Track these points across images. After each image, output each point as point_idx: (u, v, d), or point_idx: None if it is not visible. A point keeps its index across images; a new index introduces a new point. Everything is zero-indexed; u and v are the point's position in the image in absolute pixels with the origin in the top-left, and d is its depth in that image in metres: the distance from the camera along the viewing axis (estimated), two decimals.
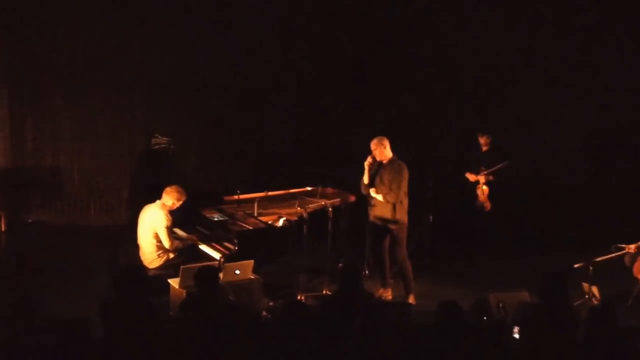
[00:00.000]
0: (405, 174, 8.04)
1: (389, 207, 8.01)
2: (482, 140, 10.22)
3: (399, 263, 8.17)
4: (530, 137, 10.98)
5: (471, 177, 10.14)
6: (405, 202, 8.09)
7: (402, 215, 8.05)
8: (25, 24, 10.71)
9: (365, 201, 8.79)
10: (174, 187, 7.83)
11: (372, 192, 8.10)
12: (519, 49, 10.84)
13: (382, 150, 8.02)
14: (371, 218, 8.26)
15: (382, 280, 8.37)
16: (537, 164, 10.89)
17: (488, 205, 10.07)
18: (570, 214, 10.60)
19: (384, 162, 8.06)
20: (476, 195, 10.11)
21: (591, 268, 7.90)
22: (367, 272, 8.91)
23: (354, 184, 8.95)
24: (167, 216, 7.63)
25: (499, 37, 10.78)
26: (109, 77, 10.95)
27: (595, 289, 8.00)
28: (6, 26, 10.66)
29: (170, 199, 7.73)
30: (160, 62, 10.91)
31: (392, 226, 8.06)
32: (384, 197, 8.01)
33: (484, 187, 10.05)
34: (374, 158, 8.04)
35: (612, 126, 10.77)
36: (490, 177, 10.00)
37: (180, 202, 7.79)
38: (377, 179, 8.08)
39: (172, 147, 10.79)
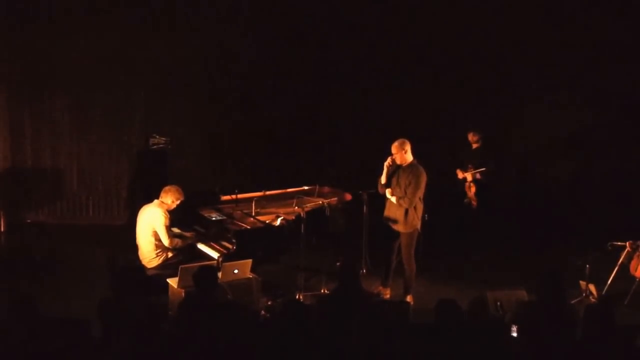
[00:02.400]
0: (424, 180, 7.87)
1: (402, 210, 7.88)
2: (471, 138, 10.28)
3: (404, 264, 8.11)
4: (526, 134, 11.03)
5: (459, 174, 10.22)
6: (420, 207, 7.98)
7: (414, 220, 7.92)
8: (25, 24, 10.73)
9: (362, 200, 8.81)
10: (173, 186, 7.84)
11: (388, 193, 7.99)
12: (509, 46, 10.89)
13: (403, 155, 7.85)
14: (383, 219, 8.11)
15: (383, 280, 8.35)
16: (532, 162, 10.93)
17: (475, 202, 10.15)
18: (566, 212, 10.63)
19: (404, 165, 7.91)
20: (465, 193, 10.19)
21: (588, 266, 7.93)
22: (365, 270, 8.93)
23: (353, 183, 8.98)
24: (165, 214, 7.64)
25: (494, 35, 10.82)
26: (108, 77, 10.96)
27: (592, 287, 8.03)
28: (5, 26, 10.67)
29: (169, 198, 7.74)
30: (159, 62, 10.92)
31: (402, 229, 7.97)
32: (397, 200, 7.89)
33: (472, 184, 10.13)
34: (394, 160, 7.90)
35: (606, 123, 10.84)
36: (477, 176, 10.07)
37: (178, 202, 7.80)
38: (394, 181, 7.95)
39: (170, 146, 10.81)
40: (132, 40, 10.83)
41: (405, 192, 7.86)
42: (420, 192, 7.91)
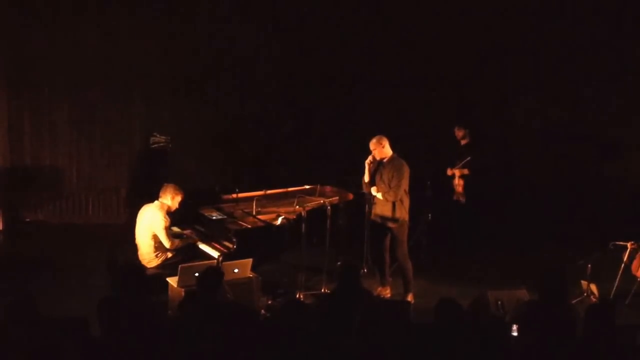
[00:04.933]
0: (406, 172, 7.97)
1: (389, 205, 7.96)
2: (458, 134, 10.23)
3: (399, 262, 8.15)
4: (523, 131, 11.02)
5: (449, 171, 10.19)
6: (406, 200, 8.04)
7: (402, 214, 8.00)
8: (23, 23, 10.72)
9: (364, 199, 8.80)
10: (168, 185, 7.81)
11: (373, 190, 8.07)
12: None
13: (381, 150, 7.98)
14: (372, 216, 8.22)
15: (381, 279, 8.36)
16: (534, 160, 10.92)
17: (462, 199, 10.11)
18: (568, 211, 10.61)
19: (384, 160, 8.02)
20: (453, 190, 10.15)
21: (589, 265, 7.92)
22: (365, 270, 8.91)
23: (352, 182, 8.96)
24: (165, 217, 7.60)
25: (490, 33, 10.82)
26: (108, 76, 10.95)
27: (593, 287, 8.01)
28: (4, 24, 10.66)
29: (167, 196, 7.71)
30: (159, 60, 10.91)
31: (392, 225, 8.03)
32: (383, 195, 7.98)
33: (459, 180, 10.08)
34: (374, 157, 8.01)
35: (603, 122, 10.85)
36: (465, 171, 10.03)
37: (178, 200, 7.75)
38: (378, 177, 8.05)
39: (170, 145, 10.79)
40: (132, 38, 10.81)
41: (390, 187, 7.92)
42: (405, 184, 7.98)
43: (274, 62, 11.16)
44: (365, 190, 8.24)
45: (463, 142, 10.26)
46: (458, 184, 10.10)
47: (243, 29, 10.98)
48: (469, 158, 9.95)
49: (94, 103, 11.12)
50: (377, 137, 8.03)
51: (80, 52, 10.82)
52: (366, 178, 8.11)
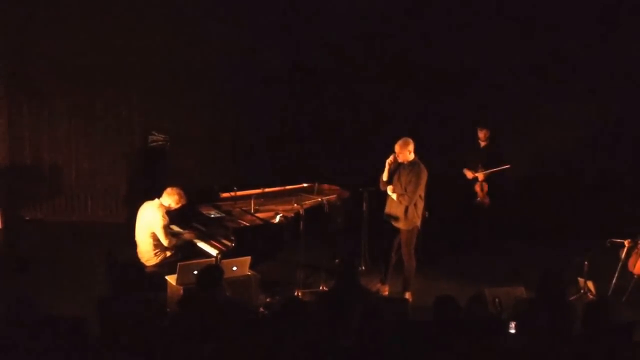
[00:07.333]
0: (424, 178, 7.94)
1: (402, 207, 7.96)
2: (481, 135, 10.11)
3: (404, 260, 8.15)
4: (525, 131, 11.00)
5: (468, 174, 10.08)
6: (421, 205, 8.04)
7: (414, 218, 7.99)
8: (24, 21, 10.72)
9: (362, 197, 8.82)
10: (175, 189, 7.77)
11: (389, 190, 8.06)
12: (516, 39, 10.85)
13: (406, 155, 7.93)
14: (385, 216, 8.17)
15: (382, 277, 8.37)
16: (533, 159, 10.91)
17: (487, 202, 10.02)
18: (566, 209, 10.62)
19: (405, 162, 7.98)
20: (474, 192, 10.05)
21: (586, 263, 7.94)
22: (363, 267, 8.93)
23: (351, 180, 8.97)
24: (164, 217, 7.60)
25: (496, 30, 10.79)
26: (107, 74, 10.95)
27: (591, 284, 8.04)
28: (4, 24, 10.67)
29: (169, 200, 7.70)
30: (157, 59, 10.90)
31: (402, 226, 8.03)
32: (398, 197, 7.98)
33: (483, 183, 9.99)
34: (396, 158, 7.96)
35: (607, 121, 10.83)
36: (488, 173, 9.93)
37: (179, 205, 7.75)
38: (395, 178, 8.02)
39: (168, 144, 10.80)
40: (131, 37, 10.81)
41: (406, 190, 7.91)
42: (421, 190, 7.96)
43: (274, 61, 11.14)
44: (381, 187, 8.17)
45: (483, 144, 10.17)
46: (483, 187, 10.02)
47: (243, 28, 10.98)
48: (508, 166, 9.83)
49: (93, 103, 11.11)
50: (404, 139, 7.96)
51: (80, 52, 10.81)
52: (384, 177, 8.06)
